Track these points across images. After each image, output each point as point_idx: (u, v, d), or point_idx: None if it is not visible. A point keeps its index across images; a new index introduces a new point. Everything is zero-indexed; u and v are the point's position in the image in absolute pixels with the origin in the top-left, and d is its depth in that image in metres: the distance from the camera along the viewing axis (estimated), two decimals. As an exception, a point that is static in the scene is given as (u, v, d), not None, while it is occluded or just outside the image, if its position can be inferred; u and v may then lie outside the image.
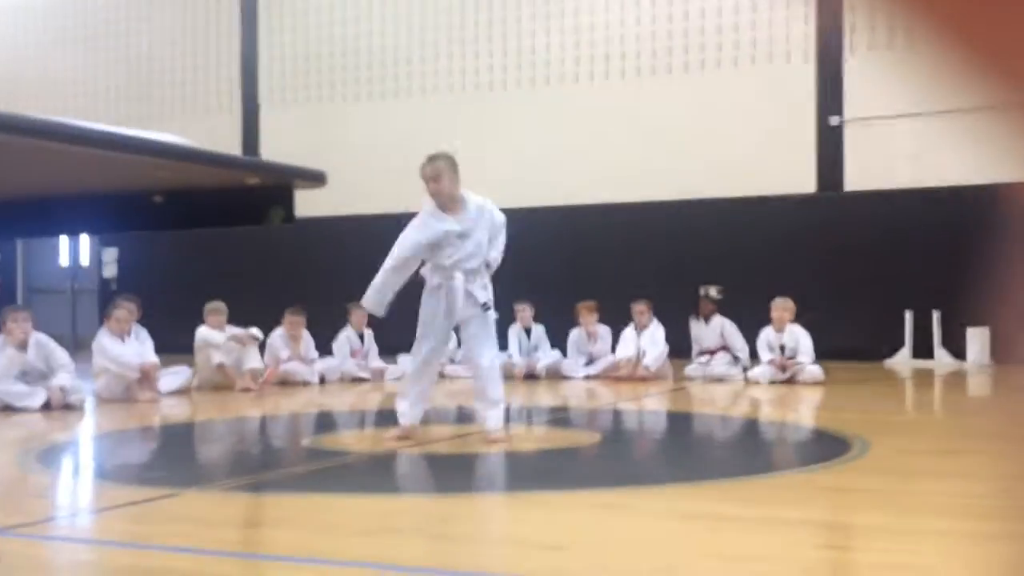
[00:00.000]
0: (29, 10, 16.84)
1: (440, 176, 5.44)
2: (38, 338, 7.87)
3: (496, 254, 5.67)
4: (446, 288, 5.49)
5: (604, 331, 10.67)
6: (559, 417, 7.55)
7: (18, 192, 1.48)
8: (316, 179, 1.47)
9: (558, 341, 10.85)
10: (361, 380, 10.16)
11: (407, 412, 5.58)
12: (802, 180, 12.45)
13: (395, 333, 8.02)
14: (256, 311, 10.42)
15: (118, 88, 16.22)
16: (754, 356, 9.78)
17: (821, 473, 4.56)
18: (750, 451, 5.81)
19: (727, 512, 3.63)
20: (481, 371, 5.59)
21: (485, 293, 5.59)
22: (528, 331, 10.89)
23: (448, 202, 5.50)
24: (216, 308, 9.56)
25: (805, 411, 7.70)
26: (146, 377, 8.40)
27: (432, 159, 5.51)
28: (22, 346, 7.70)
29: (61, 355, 7.86)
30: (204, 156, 1.29)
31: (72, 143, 1.09)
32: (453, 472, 4.88)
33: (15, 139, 1.05)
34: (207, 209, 1.50)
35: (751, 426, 6.99)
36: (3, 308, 8.28)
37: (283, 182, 1.45)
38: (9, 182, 1.41)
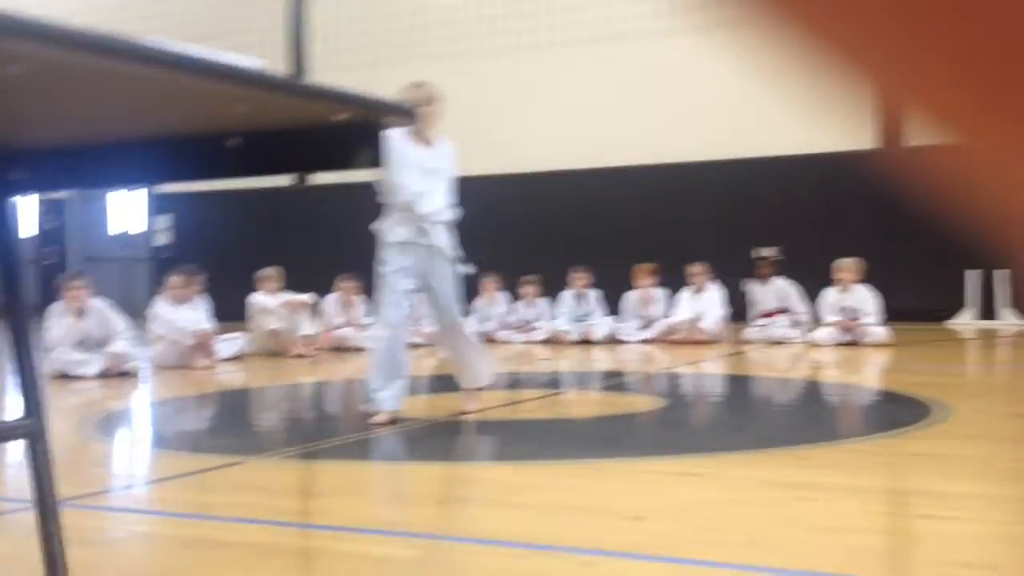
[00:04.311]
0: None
1: (433, 101, 5.00)
2: (96, 305, 7.85)
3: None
4: (418, 243, 4.98)
5: (660, 294, 10.48)
6: (616, 382, 7.39)
7: (75, 135, 1.33)
8: (406, 114, 1.31)
9: (612, 305, 10.68)
10: (416, 346, 10.06)
11: (387, 397, 4.95)
12: (860, 136, 12.08)
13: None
14: (310, 276, 10.35)
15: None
16: (818, 319, 9.55)
17: (905, 439, 4.35)
18: (825, 416, 5.61)
19: (811, 480, 3.46)
20: (457, 330, 5.15)
21: (453, 244, 5.11)
22: (581, 297, 10.72)
23: (428, 131, 5.03)
24: (269, 275, 9.51)
25: (874, 374, 7.47)
26: (201, 344, 8.36)
27: (420, 83, 5.06)
28: (80, 313, 7.68)
29: (118, 322, 7.83)
30: (290, 85, 1.14)
31: (136, 61, 0.94)
32: (513, 439, 4.74)
33: (67, 56, 0.89)
34: (287, 152, 1.35)
35: (820, 390, 6.78)
36: (59, 277, 8.29)
37: (371, 119, 1.29)
38: (63, 119, 1.27)
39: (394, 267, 5.00)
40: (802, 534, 2.80)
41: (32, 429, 1.44)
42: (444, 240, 5.04)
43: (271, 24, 15.51)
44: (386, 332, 5.06)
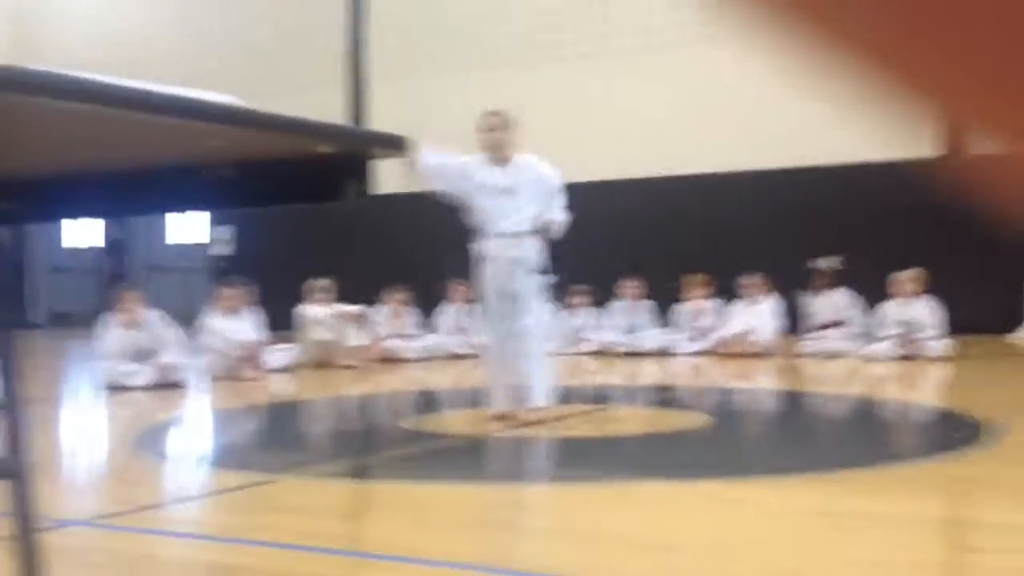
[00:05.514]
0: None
1: (507, 127, 5.40)
2: (149, 316, 7.93)
3: (559, 216, 5.44)
4: (491, 259, 5.37)
5: (713, 306, 10.32)
6: (665, 397, 7.27)
7: (56, 168, 1.29)
8: (394, 146, 1.25)
9: (663, 318, 10.54)
10: (464, 357, 10.02)
11: (495, 399, 5.46)
12: (921, 144, 11.78)
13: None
14: (361, 288, 10.37)
15: (214, 62, 16.25)
16: (875, 332, 9.32)
17: (959, 461, 4.19)
18: (874, 436, 5.45)
19: (854, 507, 3.33)
20: (527, 338, 5.36)
21: (538, 257, 5.41)
22: (631, 308, 10.59)
23: (502, 153, 5.38)
24: (320, 286, 9.54)
25: (931, 391, 7.26)
26: (249, 356, 8.40)
27: (495, 111, 5.47)
28: (132, 324, 7.77)
29: (171, 333, 7.91)
30: (263, 120, 1.08)
31: (96, 102, 0.89)
32: (554, 458, 4.67)
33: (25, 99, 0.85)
34: (273, 185, 1.30)
35: (873, 408, 6.60)
36: (117, 287, 8.40)
37: (357, 151, 1.23)
38: (44, 153, 1.23)
39: (484, 281, 5.41)
40: (845, 569, 2.68)
41: (12, 468, 1.40)
42: (525, 252, 5.33)
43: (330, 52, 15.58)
44: (488, 341, 5.56)
